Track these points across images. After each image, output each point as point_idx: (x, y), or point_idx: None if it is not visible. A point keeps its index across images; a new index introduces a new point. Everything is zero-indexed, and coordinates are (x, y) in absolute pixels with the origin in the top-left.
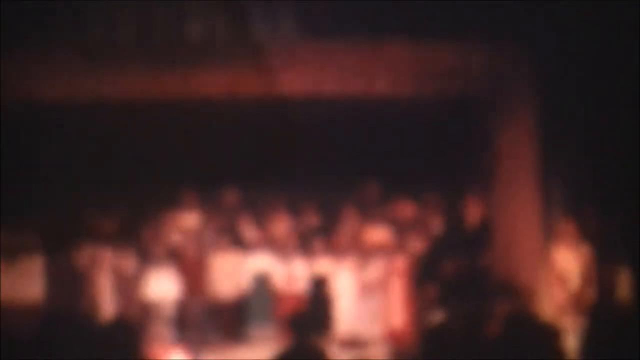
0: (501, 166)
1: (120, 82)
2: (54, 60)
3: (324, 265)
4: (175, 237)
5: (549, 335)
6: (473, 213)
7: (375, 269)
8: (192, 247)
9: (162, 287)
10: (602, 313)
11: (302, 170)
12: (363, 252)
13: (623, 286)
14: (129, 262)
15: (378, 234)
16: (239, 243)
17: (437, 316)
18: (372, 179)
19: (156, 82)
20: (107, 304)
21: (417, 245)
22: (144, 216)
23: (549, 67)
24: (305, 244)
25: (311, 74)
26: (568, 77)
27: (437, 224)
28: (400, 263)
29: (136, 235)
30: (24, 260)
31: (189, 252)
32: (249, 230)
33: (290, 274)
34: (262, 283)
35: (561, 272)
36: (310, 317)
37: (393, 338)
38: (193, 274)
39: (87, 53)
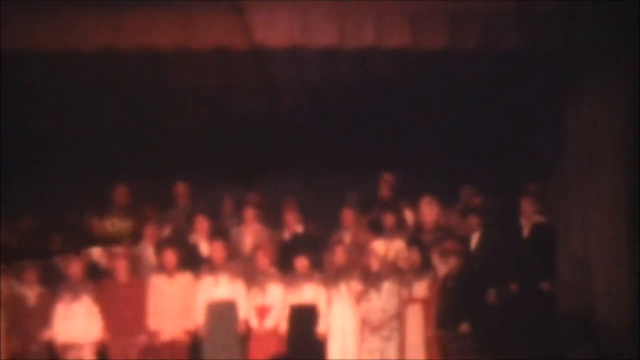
0: (578, 155)
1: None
2: None
3: (312, 291)
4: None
5: None
6: (530, 220)
7: (385, 297)
8: (124, 266)
9: (79, 323)
10: None
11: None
12: (368, 274)
13: None
14: (31, 289)
15: (390, 247)
16: (192, 259)
17: None
18: (385, 170)
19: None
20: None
21: (446, 263)
22: (57, 222)
23: None
24: (285, 260)
25: (290, 28)
26: None
27: (476, 234)
28: (422, 289)
29: (44, 249)
30: None
31: (120, 273)
32: (205, 241)
33: (264, 303)
34: (224, 316)
35: None
36: None
37: None
38: (125, 304)
39: None
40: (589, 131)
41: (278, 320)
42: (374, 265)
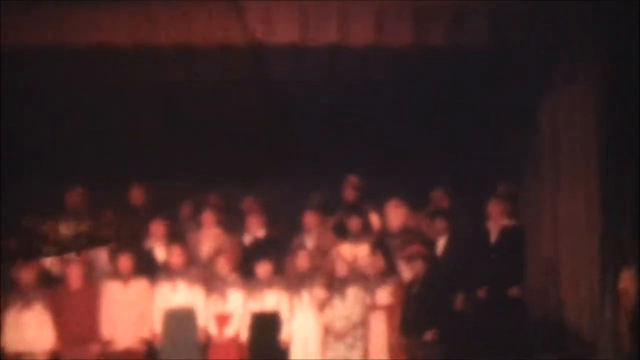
0: (550, 157)
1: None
2: None
3: (274, 298)
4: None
5: None
6: (499, 222)
7: (350, 304)
8: (77, 272)
9: (31, 332)
10: None
11: (242, 157)
12: (332, 279)
13: None
14: None
15: (355, 252)
16: (148, 265)
17: None
18: (350, 172)
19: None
20: None
21: (411, 268)
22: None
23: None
24: (246, 266)
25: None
26: None
27: (443, 238)
28: (386, 295)
29: None
30: None
31: (73, 280)
32: (162, 246)
33: (224, 310)
34: (182, 324)
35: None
36: None
37: None
38: (78, 311)
39: None
40: (561, 132)
41: (239, 328)
42: (340, 270)
